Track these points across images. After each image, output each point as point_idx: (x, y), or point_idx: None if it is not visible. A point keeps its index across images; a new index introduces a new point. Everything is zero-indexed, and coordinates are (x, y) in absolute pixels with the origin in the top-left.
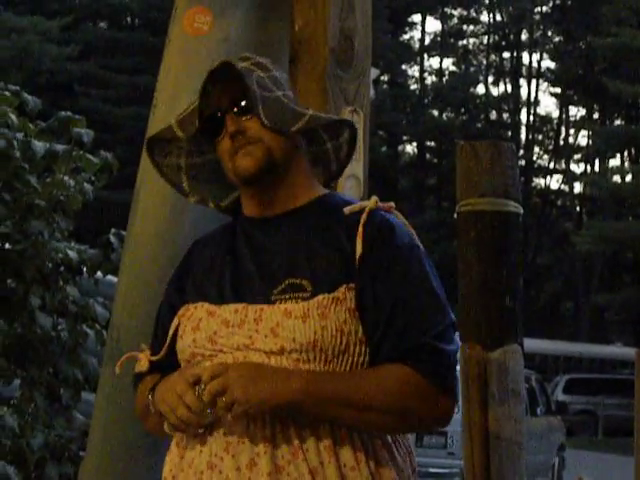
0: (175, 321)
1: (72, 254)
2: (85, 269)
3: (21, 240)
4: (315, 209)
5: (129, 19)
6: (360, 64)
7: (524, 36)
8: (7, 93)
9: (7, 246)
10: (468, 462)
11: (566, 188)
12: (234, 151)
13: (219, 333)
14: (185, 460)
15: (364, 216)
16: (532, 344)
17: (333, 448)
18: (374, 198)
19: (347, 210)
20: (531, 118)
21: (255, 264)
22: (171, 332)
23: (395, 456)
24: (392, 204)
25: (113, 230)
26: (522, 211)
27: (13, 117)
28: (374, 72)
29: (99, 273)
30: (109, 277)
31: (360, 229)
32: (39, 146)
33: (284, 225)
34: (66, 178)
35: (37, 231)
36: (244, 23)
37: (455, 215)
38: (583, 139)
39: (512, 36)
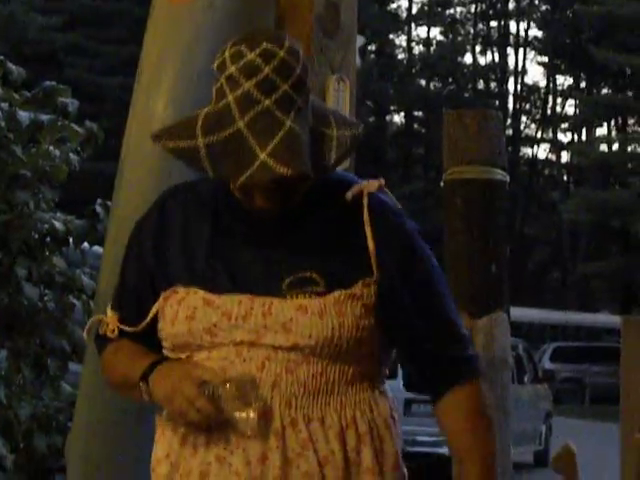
0: (159, 302)
1: (58, 225)
2: (71, 240)
3: (6, 211)
4: (315, 194)
5: None
6: (346, 32)
7: (511, 5)
8: None
9: None
10: None
11: (553, 157)
12: (258, 193)
13: (219, 325)
14: (187, 448)
15: (365, 202)
16: (519, 313)
17: (341, 434)
18: (371, 183)
19: (348, 196)
20: (518, 87)
21: (254, 251)
22: (153, 312)
23: (396, 432)
24: (381, 182)
25: (99, 201)
26: (508, 179)
27: None
28: (360, 40)
29: (85, 244)
30: (95, 248)
31: (365, 216)
32: (24, 116)
33: (285, 217)
34: (51, 148)
35: (23, 202)
36: None
37: (441, 183)
38: (570, 108)
39: (499, 5)
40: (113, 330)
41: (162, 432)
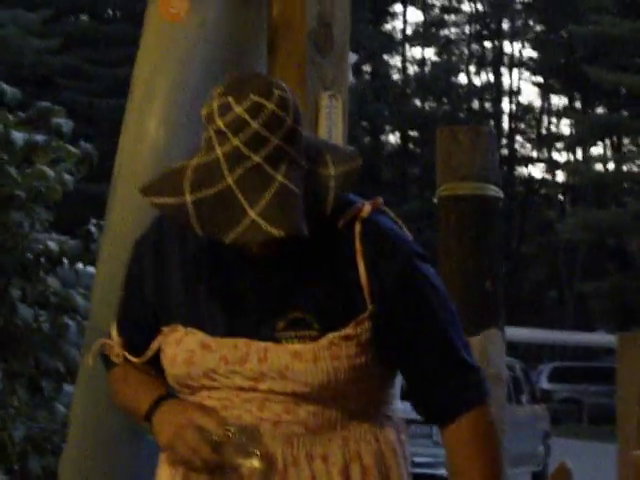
0: (159, 339)
1: (52, 245)
2: (66, 260)
3: (1, 232)
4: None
5: (110, 11)
6: (339, 49)
7: (505, 25)
8: None
9: None
10: None
11: (549, 177)
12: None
13: (217, 370)
14: None
15: (358, 229)
16: (516, 333)
17: (345, 470)
18: (366, 203)
19: (340, 224)
20: (513, 107)
21: (250, 290)
22: (154, 348)
23: (403, 455)
24: (379, 200)
25: (93, 220)
26: (502, 195)
27: None
28: (352, 57)
29: (80, 264)
30: (89, 268)
31: (358, 246)
32: (18, 137)
33: (282, 252)
34: (46, 169)
35: (17, 222)
36: (221, 8)
37: (435, 200)
38: (565, 128)
39: (493, 25)
40: (117, 355)
41: (163, 466)
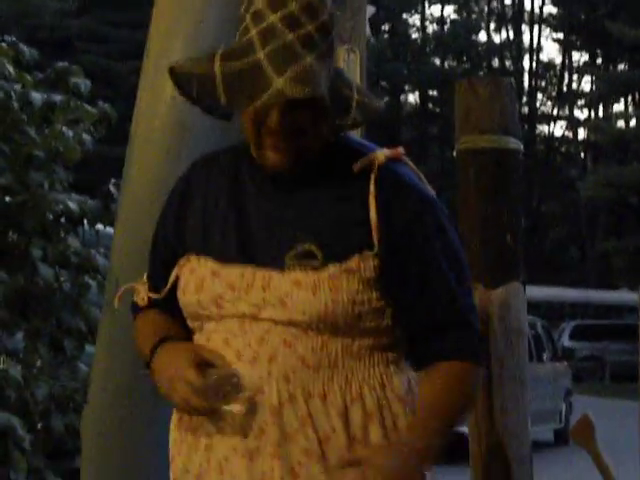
0: (175, 270)
1: (72, 205)
2: (86, 220)
3: (21, 192)
4: (327, 162)
5: None
6: (355, 1)
7: None
8: (3, 44)
9: (7, 199)
10: None
11: (570, 134)
12: (269, 137)
13: (224, 297)
14: (187, 433)
15: (374, 174)
16: (538, 291)
17: (345, 411)
18: (380, 152)
19: (357, 168)
20: (534, 65)
21: (264, 222)
22: (171, 280)
23: (414, 408)
24: (400, 150)
25: (113, 180)
26: (522, 147)
27: (10, 68)
28: (370, 10)
29: (100, 225)
30: (110, 229)
31: (371, 188)
32: (37, 97)
33: (296, 182)
34: (64, 129)
35: (37, 183)
36: None
37: (454, 153)
38: (586, 85)
39: None
40: (143, 298)
41: (172, 431)
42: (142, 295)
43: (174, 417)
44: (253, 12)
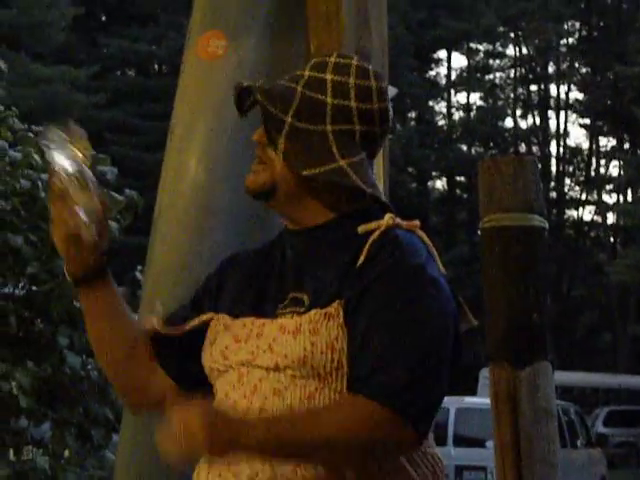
0: (196, 320)
1: None
2: None
3: (48, 280)
4: (334, 228)
5: (156, 66)
6: None
7: (551, 68)
8: (31, 134)
9: (34, 287)
10: None
11: (599, 219)
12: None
13: (230, 348)
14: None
15: (375, 234)
16: (570, 377)
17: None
18: (389, 215)
19: (361, 229)
20: (561, 150)
21: (276, 279)
22: (192, 324)
23: (414, 477)
24: (416, 222)
25: (139, 267)
26: (547, 225)
27: (37, 158)
28: (392, 90)
29: None
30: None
31: (367, 246)
32: None
33: (301, 241)
34: None
35: (63, 271)
36: (259, 45)
37: (478, 232)
38: (614, 169)
39: (539, 69)
40: (152, 324)
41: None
42: (150, 322)
43: None
44: (322, 63)
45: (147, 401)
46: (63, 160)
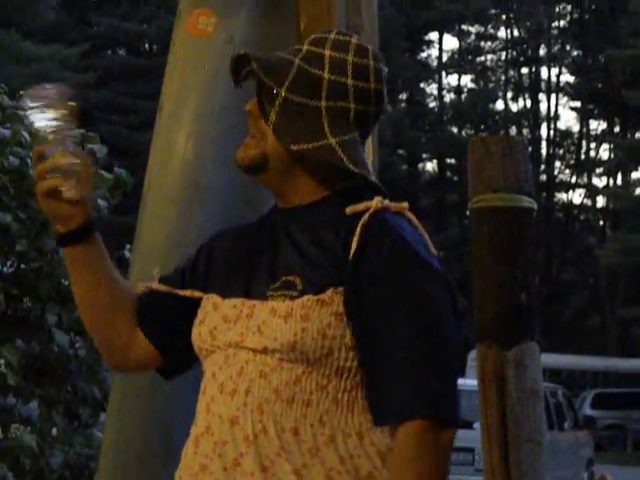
0: (187, 292)
1: None
2: None
3: (36, 258)
4: (323, 207)
5: (147, 45)
6: None
7: (542, 51)
8: (20, 112)
9: (22, 265)
10: (487, 464)
11: (589, 202)
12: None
13: (218, 328)
14: (186, 459)
15: (365, 216)
16: (559, 359)
17: (316, 452)
18: (378, 198)
19: (349, 210)
20: (551, 133)
21: (267, 259)
22: (186, 292)
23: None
24: (405, 204)
25: (128, 246)
26: (536, 206)
27: (26, 135)
28: None
29: None
30: None
31: (357, 230)
32: None
33: (291, 221)
34: None
35: (52, 249)
36: (248, 23)
37: (467, 212)
38: (605, 153)
39: (530, 51)
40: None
41: None
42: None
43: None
44: (321, 38)
45: (127, 363)
46: (40, 120)
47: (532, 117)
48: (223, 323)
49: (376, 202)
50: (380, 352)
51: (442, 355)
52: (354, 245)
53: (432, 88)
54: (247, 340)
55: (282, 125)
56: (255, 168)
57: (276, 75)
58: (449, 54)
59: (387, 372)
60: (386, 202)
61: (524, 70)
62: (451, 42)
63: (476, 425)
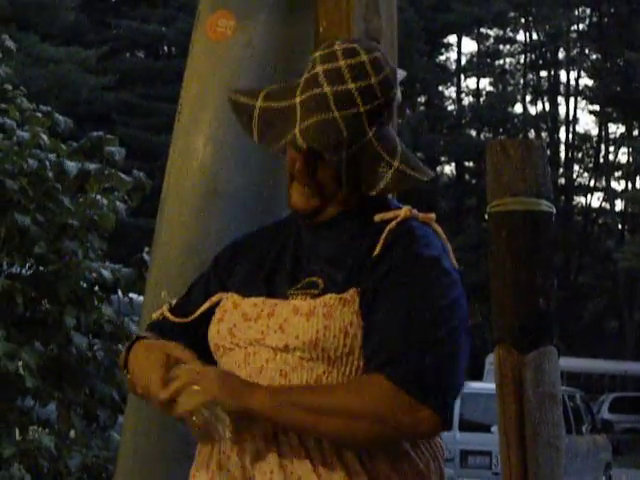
0: (206, 304)
1: (106, 273)
2: (119, 288)
3: (55, 261)
4: (351, 215)
5: (166, 48)
6: None
7: (561, 54)
8: (39, 114)
9: (41, 268)
10: (505, 467)
11: (607, 206)
12: (295, 179)
13: (238, 326)
14: (201, 456)
15: (392, 223)
16: (577, 363)
17: (337, 450)
18: (407, 208)
19: (378, 217)
20: (570, 136)
21: (289, 261)
22: (202, 309)
23: (417, 463)
24: (432, 215)
25: (146, 249)
26: (554, 210)
27: (45, 138)
28: (401, 73)
29: (133, 293)
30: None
31: (384, 234)
32: (71, 166)
33: (320, 229)
34: (99, 197)
35: (71, 251)
36: (267, 26)
37: (486, 216)
38: (623, 156)
39: (549, 54)
40: (162, 314)
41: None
42: (158, 313)
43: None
44: (312, 60)
45: None
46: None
47: (551, 120)
48: (243, 321)
49: (405, 211)
50: (387, 323)
51: (443, 345)
52: (378, 247)
53: (451, 91)
54: (268, 338)
55: (352, 176)
56: (315, 213)
57: (332, 145)
58: (468, 57)
59: (389, 338)
60: (414, 211)
61: (543, 73)
62: (470, 45)
63: (494, 429)
